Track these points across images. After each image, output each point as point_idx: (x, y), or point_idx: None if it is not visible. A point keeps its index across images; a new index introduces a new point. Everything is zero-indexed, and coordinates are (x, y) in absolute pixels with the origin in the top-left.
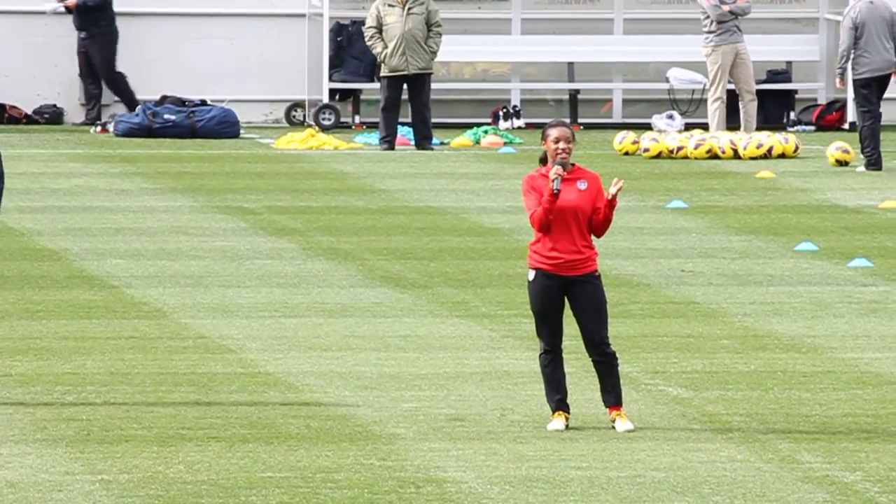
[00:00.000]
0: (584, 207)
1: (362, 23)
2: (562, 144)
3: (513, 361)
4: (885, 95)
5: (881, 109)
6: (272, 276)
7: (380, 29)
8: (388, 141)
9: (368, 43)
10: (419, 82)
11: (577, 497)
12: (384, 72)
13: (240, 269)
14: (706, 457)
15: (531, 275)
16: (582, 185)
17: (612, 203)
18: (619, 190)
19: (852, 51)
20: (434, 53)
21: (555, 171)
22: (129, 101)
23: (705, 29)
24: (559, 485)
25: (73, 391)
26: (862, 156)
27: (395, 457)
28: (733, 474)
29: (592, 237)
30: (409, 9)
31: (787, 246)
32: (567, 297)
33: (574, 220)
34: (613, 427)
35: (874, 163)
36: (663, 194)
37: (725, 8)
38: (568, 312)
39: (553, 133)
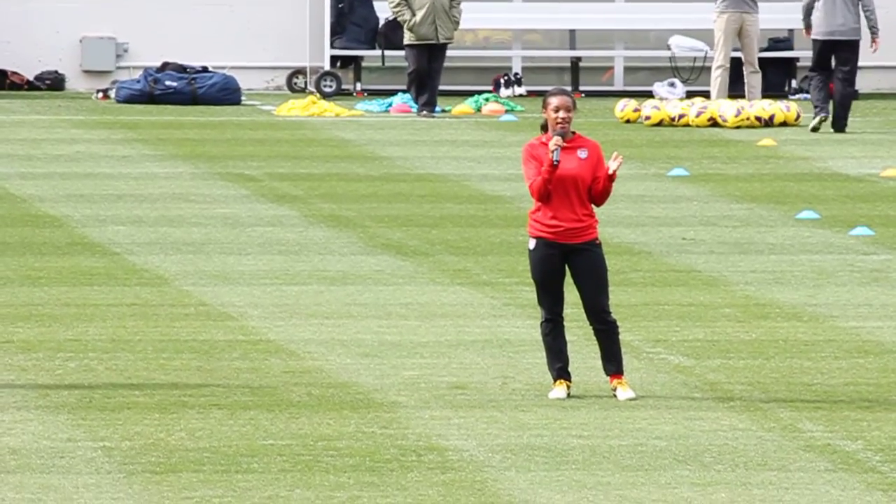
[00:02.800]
0: (585, 176)
1: None
2: (561, 114)
3: (514, 330)
4: (886, 63)
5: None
6: (273, 244)
7: None
8: (432, 103)
9: (394, 9)
10: (440, 51)
11: (578, 465)
12: (410, 39)
13: (241, 237)
14: (708, 425)
15: (532, 243)
16: (582, 154)
17: (611, 176)
18: (619, 165)
19: (813, 9)
20: (457, 23)
21: (554, 141)
22: None
23: None
24: (560, 453)
25: (75, 358)
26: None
27: (396, 425)
28: (735, 443)
29: (593, 206)
30: None
31: (788, 214)
32: (568, 266)
33: (574, 188)
34: (615, 395)
35: (820, 112)
36: (664, 162)
37: None
38: (569, 280)
39: (553, 102)
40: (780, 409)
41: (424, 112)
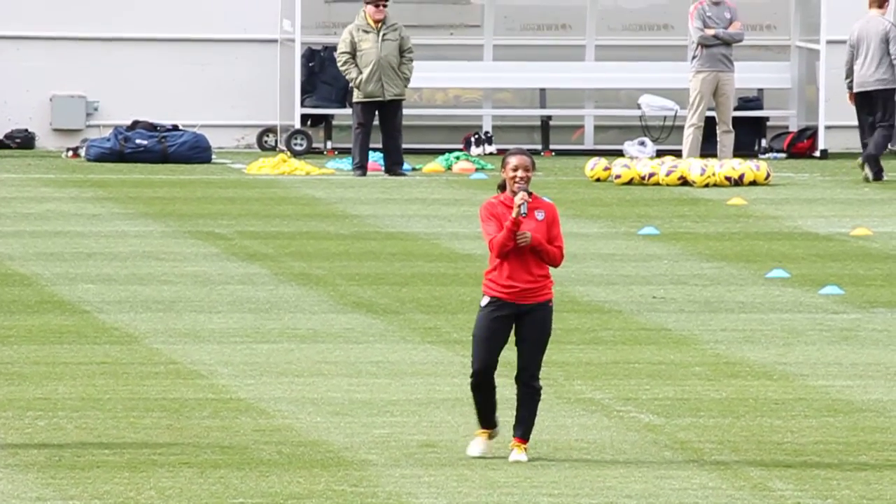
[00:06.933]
0: (541, 238)
1: (334, 48)
2: (520, 173)
3: None
4: (854, 122)
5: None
6: (244, 302)
7: (353, 54)
8: (361, 167)
9: (342, 68)
10: (392, 108)
11: None
12: (357, 97)
13: (211, 295)
14: (678, 484)
15: (485, 301)
16: (539, 216)
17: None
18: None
19: (853, 66)
20: (407, 80)
21: (521, 196)
22: None
23: (692, 53)
24: None
25: (45, 416)
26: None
27: (366, 483)
28: (705, 501)
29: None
30: (384, 35)
31: (758, 273)
32: (515, 324)
33: (531, 249)
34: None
35: (875, 176)
36: (635, 221)
37: (709, 32)
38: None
39: (512, 161)
40: (750, 467)
41: (358, 173)
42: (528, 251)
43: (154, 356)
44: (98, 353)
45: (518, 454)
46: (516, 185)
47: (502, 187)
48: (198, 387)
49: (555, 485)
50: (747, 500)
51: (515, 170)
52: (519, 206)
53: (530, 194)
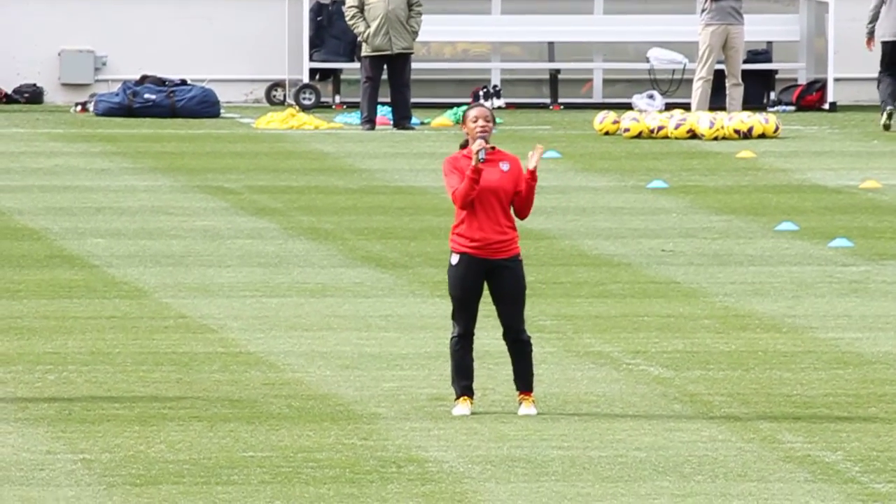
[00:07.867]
0: (507, 188)
1: (342, 2)
2: (480, 122)
3: (493, 341)
4: (863, 75)
5: None
6: (253, 256)
7: (361, 8)
8: (370, 120)
9: (350, 22)
10: (401, 62)
11: (558, 477)
12: (366, 51)
13: (220, 249)
14: (687, 436)
15: (454, 259)
16: (504, 167)
17: (533, 174)
18: (538, 158)
19: (880, 12)
20: (416, 33)
21: (478, 143)
22: None
23: (701, 6)
24: (540, 464)
25: (55, 370)
26: None
27: (376, 436)
28: (714, 454)
29: (517, 220)
30: None
31: (767, 226)
32: (488, 281)
33: (497, 200)
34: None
35: (886, 106)
36: (644, 174)
37: None
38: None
39: (472, 113)
40: (759, 420)
41: (367, 127)
42: (494, 201)
43: (163, 310)
44: (107, 307)
45: (527, 408)
46: (478, 133)
47: (464, 145)
48: (207, 341)
49: (564, 437)
50: (757, 452)
51: (475, 120)
52: (477, 152)
53: (493, 147)
